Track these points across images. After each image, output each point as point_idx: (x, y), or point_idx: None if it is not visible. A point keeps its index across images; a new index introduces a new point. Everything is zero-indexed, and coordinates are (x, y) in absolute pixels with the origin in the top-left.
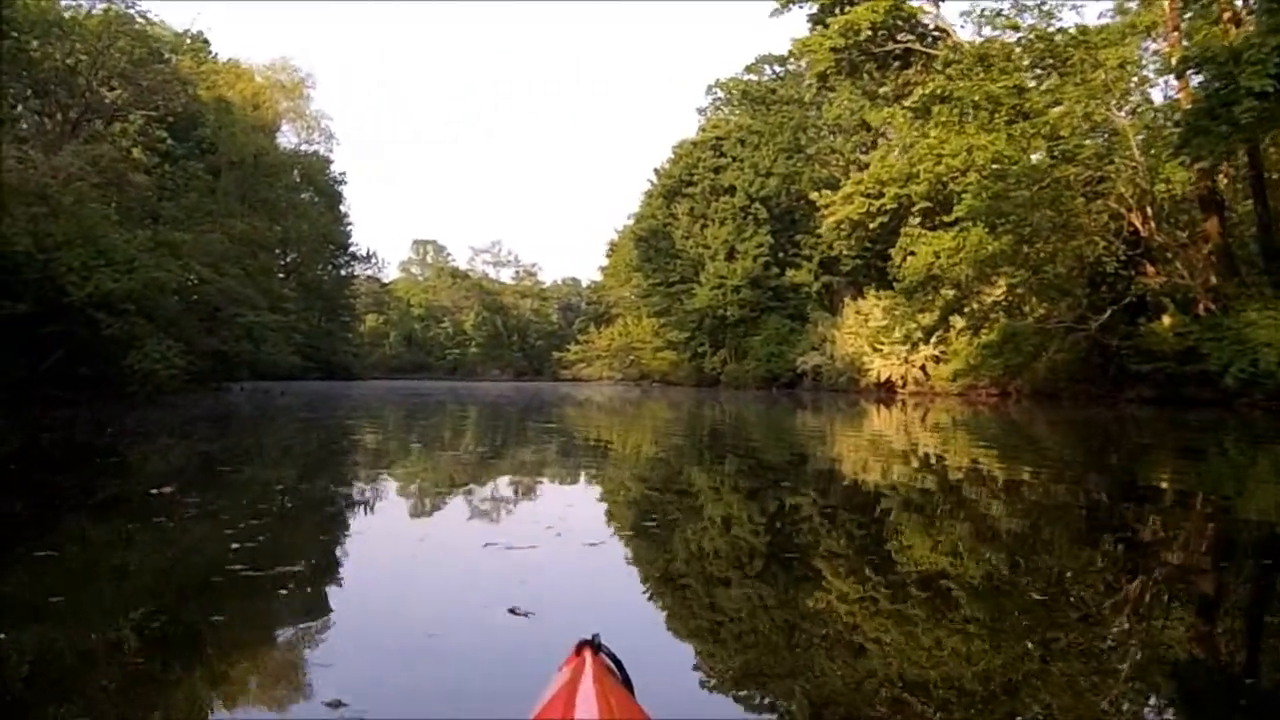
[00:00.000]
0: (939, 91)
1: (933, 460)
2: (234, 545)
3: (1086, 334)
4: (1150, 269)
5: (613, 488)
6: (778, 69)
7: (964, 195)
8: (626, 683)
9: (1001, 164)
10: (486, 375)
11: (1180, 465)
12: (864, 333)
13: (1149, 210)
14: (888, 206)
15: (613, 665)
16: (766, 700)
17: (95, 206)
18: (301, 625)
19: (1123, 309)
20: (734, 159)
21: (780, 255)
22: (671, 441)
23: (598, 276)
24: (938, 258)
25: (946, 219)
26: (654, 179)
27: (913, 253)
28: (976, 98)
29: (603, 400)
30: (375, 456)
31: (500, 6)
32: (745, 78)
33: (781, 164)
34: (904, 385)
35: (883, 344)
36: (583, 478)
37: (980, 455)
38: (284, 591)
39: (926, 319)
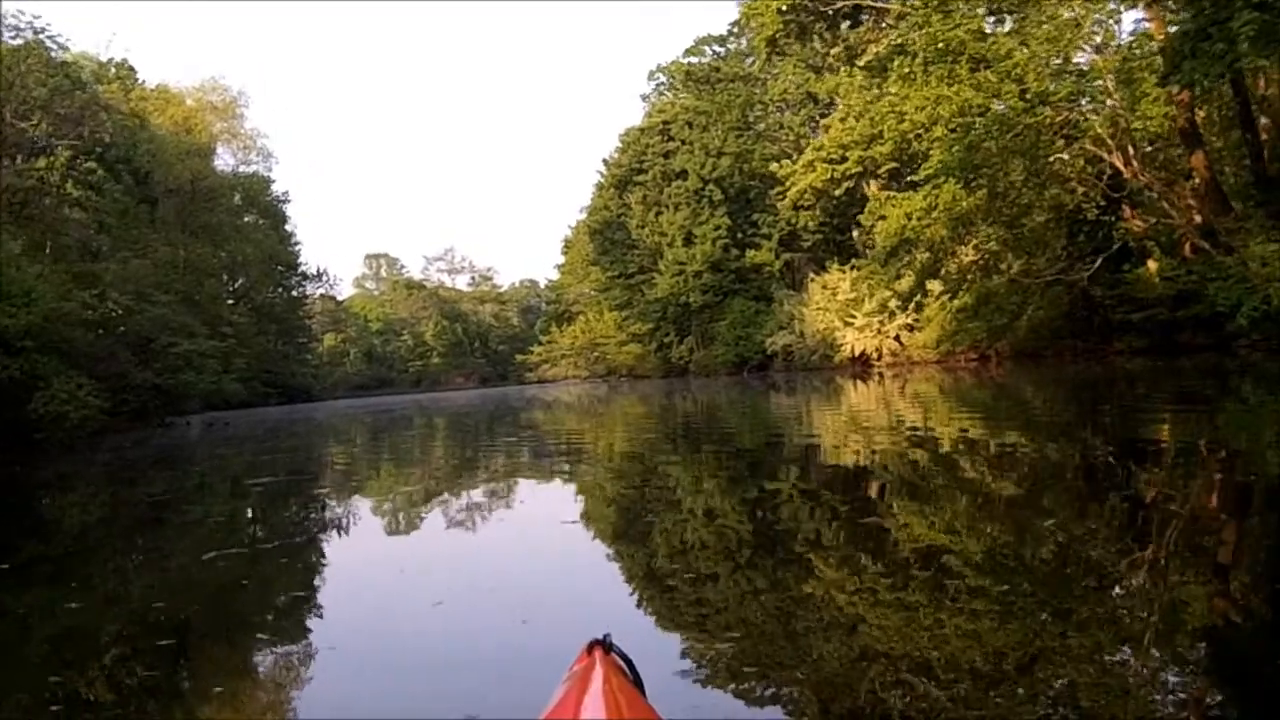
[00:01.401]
0: (898, 42)
1: (919, 432)
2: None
3: (1069, 286)
4: (1130, 213)
5: (596, 490)
6: (718, 49)
7: (932, 152)
8: (637, 682)
9: (969, 115)
10: (451, 384)
11: (1186, 416)
12: (833, 307)
13: (1130, 150)
14: (852, 171)
15: (623, 665)
16: (776, 696)
17: None
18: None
19: (1105, 257)
20: (683, 142)
21: (739, 236)
22: (646, 437)
23: (555, 275)
24: (909, 220)
25: (916, 178)
26: (604, 170)
27: (883, 217)
28: (939, 44)
29: (571, 400)
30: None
31: (432, 9)
32: (687, 60)
33: (732, 143)
34: (879, 358)
35: (854, 317)
36: (561, 482)
37: (966, 422)
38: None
39: (902, 285)
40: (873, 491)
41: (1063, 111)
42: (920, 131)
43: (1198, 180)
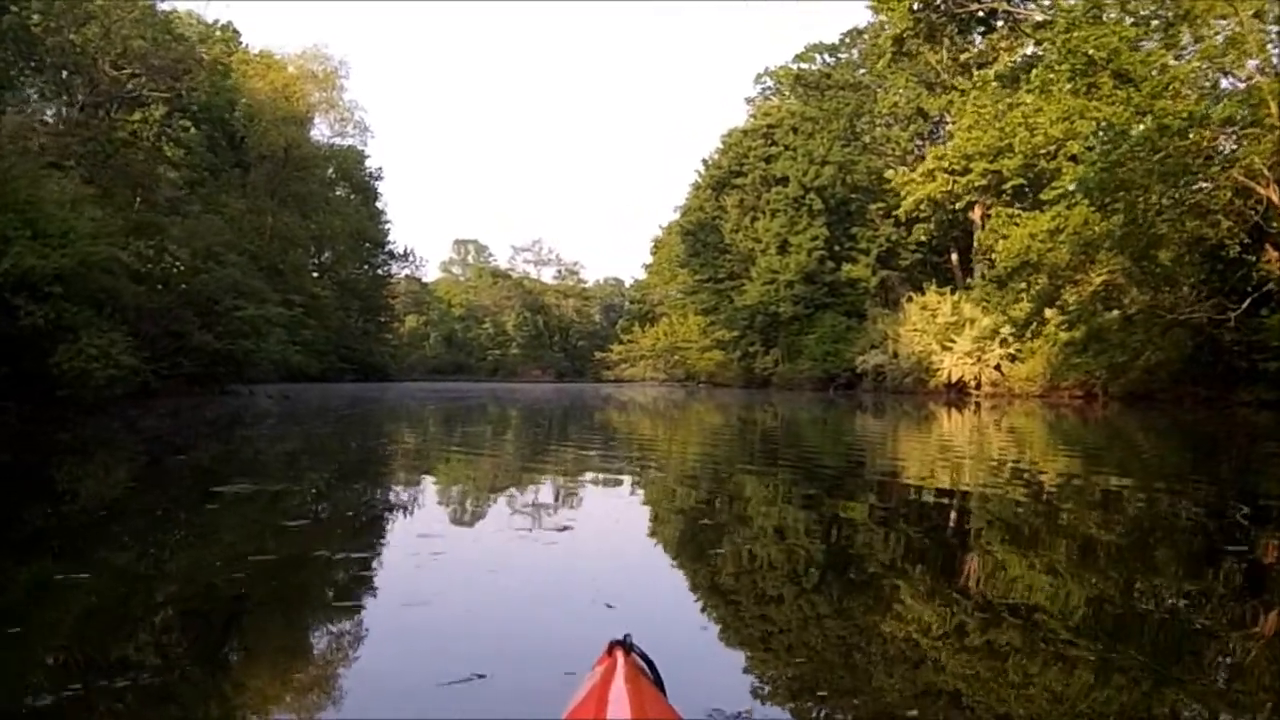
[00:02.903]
0: (1036, 51)
1: (1018, 469)
2: None
3: (1194, 328)
4: (1275, 253)
5: (663, 500)
6: (829, 58)
7: (1064, 170)
8: (658, 683)
9: (1109, 132)
10: (527, 376)
11: None
12: (931, 329)
13: None
14: (975, 184)
15: (644, 665)
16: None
17: (39, 172)
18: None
19: (1241, 298)
20: (786, 147)
21: (835, 249)
22: (721, 453)
23: (641, 275)
24: (1033, 240)
25: (1046, 197)
26: (701, 170)
27: (1004, 236)
28: (1090, 51)
29: (646, 403)
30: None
31: (542, 4)
32: (796, 66)
33: (837, 152)
34: (977, 386)
35: (954, 341)
36: (631, 490)
37: (1069, 462)
38: None
39: (1018, 311)
40: (960, 526)
41: (1219, 135)
42: (1053, 147)
43: None
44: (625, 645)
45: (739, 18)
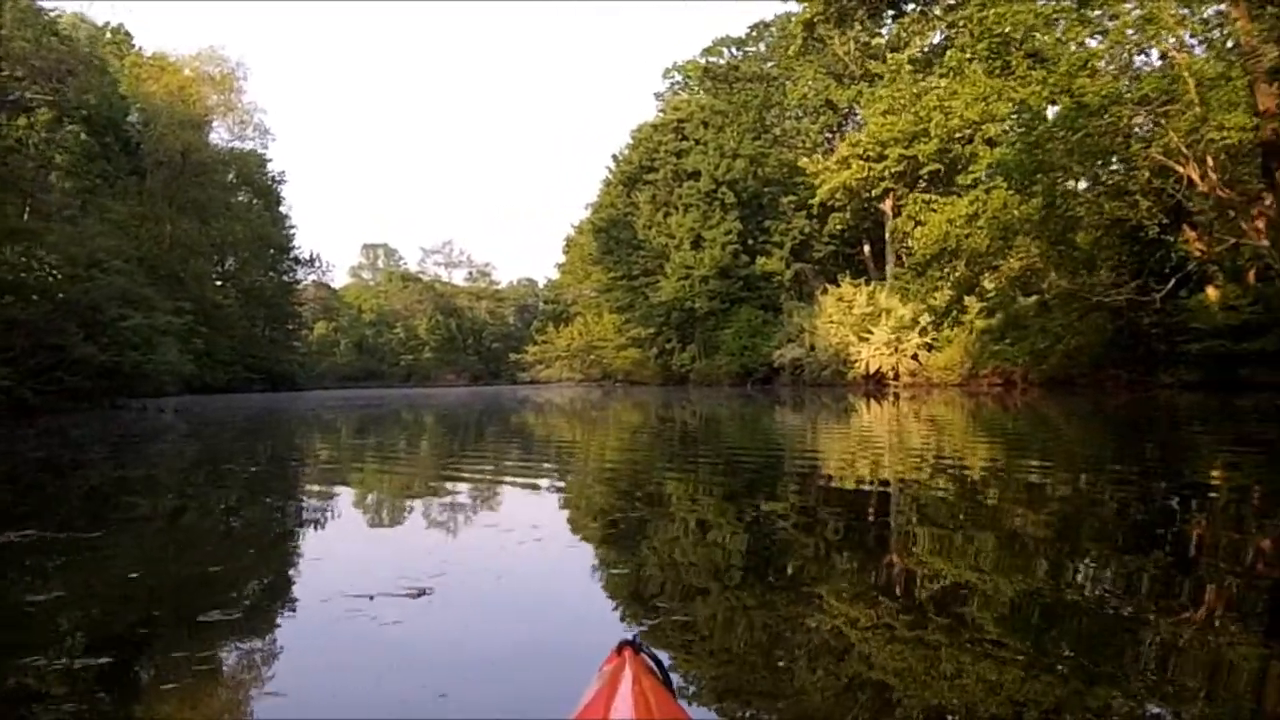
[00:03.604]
0: (962, 23)
1: (940, 459)
2: None
3: (1113, 312)
4: (1191, 233)
5: (582, 503)
6: (736, 51)
7: (979, 157)
8: (666, 683)
9: (1026, 114)
10: (441, 380)
11: (1242, 459)
12: (848, 321)
13: (1209, 162)
14: (891, 169)
15: (653, 665)
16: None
17: None
18: None
19: (1161, 280)
20: (697, 142)
21: (749, 243)
22: (642, 453)
23: (555, 275)
24: (951, 226)
25: (965, 181)
26: (612, 166)
27: (920, 223)
28: (1006, 29)
29: (564, 404)
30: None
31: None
32: (705, 59)
33: (748, 145)
34: (895, 377)
35: (870, 332)
36: (548, 494)
37: (990, 451)
38: None
39: (938, 299)
40: (882, 520)
41: (1138, 114)
42: (969, 131)
43: (1269, 201)
44: (634, 645)
45: (646, 15)
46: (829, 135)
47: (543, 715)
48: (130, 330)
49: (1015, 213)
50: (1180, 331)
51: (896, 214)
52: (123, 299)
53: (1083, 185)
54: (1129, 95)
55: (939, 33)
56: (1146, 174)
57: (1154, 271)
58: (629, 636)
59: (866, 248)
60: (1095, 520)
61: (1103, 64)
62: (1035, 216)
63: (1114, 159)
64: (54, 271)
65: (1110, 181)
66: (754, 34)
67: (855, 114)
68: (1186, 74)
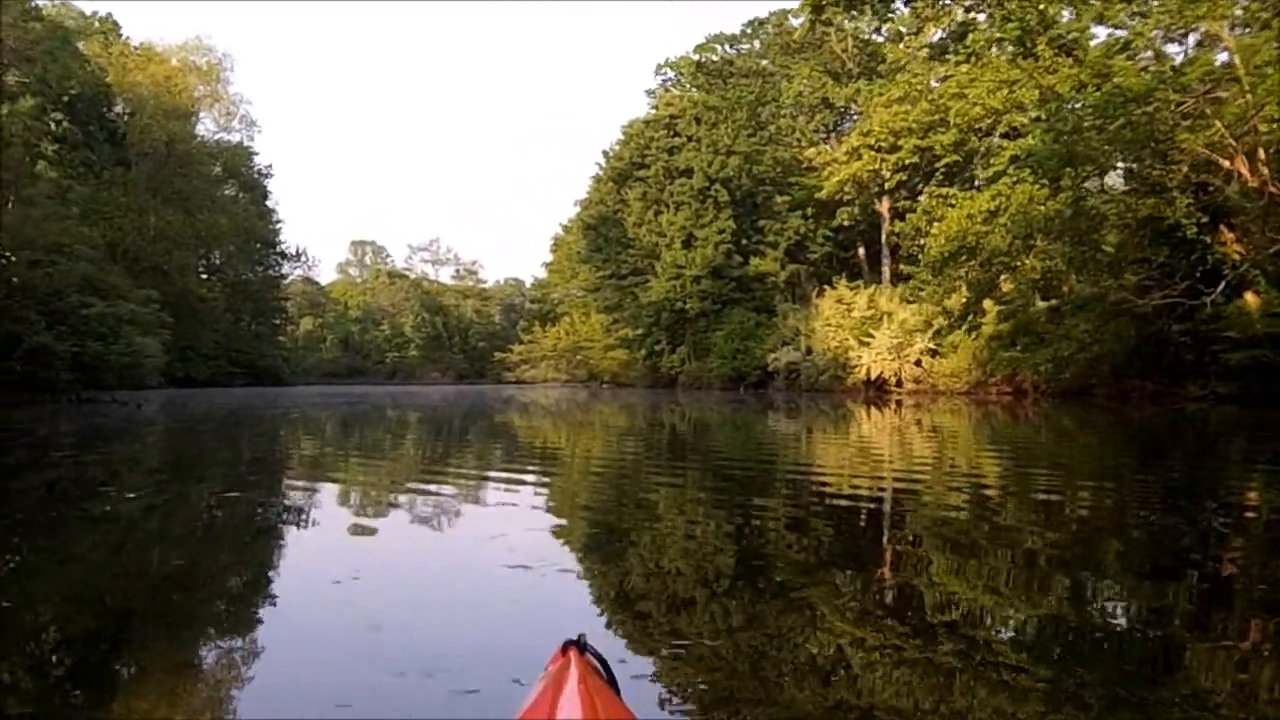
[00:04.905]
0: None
1: (949, 474)
2: None
3: (1138, 318)
4: (1230, 235)
5: (567, 510)
6: (729, 48)
7: (1001, 148)
8: (612, 682)
9: (1056, 101)
10: (426, 378)
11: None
12: (847, 324)
13: (1261, 154)
14: (906, 161)
15: (598, 665)
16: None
17: None
18: None
19: (1192, 286)
20: (690, 138)
21: (743, 243)
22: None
23: (542, 274)
24: (970, 223)
25: (986, 174)
26: (602, 162)
27: (937, 219)
28: (1041, 6)
29: (549, 404)
30: None
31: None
32: (698, 56)
33: (742, 142)
34: (898, 383)
35: (871, 336)
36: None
37: (998, 465)
38: None
39: (954, 301)
40: (894, 539)
41: (1186, 100)
42: (989, 121)
43: None
44: (579, 645)
45: (637, 12)
46: (824, 134)
47: (487, 715)
48: (95, 319)
49: (1041, 209)
50: (1214, 340)
51: (894, 216)
52: (88, 286)
53: (1110, 180)
54: (1169, 80)
55: (954, 18)
56: (1185, 169)
57: (1186, 276)
58: (573, 637)
59: (862, 250)
60: (1120, 542)
61: (1142, 44)
62: (1065, 213)
63: (1146, 153)
64: (7, 254)
65: (1148, 176)
66: (749, 31)
67: (852, 112)
68: (1238, 59)
